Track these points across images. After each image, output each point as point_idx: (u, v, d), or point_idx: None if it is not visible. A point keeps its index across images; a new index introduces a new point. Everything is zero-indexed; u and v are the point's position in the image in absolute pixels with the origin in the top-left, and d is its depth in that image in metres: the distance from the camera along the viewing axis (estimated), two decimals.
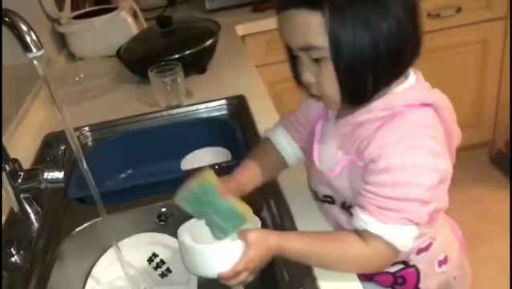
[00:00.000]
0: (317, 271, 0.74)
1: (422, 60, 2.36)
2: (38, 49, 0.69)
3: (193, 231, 0.75)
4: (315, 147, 0.80)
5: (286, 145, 0.89)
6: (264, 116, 1.22)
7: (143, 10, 2.12)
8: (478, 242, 1.98)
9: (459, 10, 2.03)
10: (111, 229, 0.92)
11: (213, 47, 1.53)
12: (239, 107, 1.30)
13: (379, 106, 0.70)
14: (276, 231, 0.74)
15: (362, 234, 0.69)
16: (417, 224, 0.68)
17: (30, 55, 0.69)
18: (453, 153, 0.76)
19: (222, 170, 1.06)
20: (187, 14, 2.19)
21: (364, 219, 0.68)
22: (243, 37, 1.92)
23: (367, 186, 0.68)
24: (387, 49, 0.64)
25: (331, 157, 0.76)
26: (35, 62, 0.70)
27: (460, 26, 2.07)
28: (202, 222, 0.77)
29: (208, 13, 2.14)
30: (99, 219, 0.95)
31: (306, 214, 0.86)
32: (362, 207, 0.69)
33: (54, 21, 1.78)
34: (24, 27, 0.69)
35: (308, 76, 0.70)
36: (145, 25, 1.88)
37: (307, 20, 0.64)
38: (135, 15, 1.82)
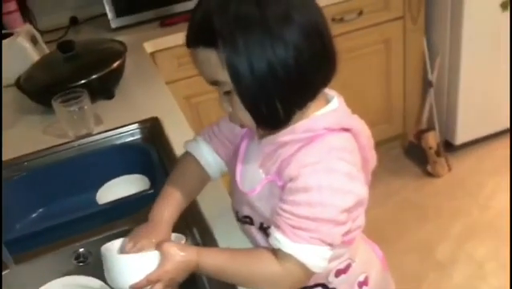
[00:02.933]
0: None
1: None
2: None
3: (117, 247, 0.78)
4: (238, 167, 0.80)
5: (209, 159, 0.87)
6: (180, 137, 1.19)
7: (43, 32, 2.02)
8: (402, 232, 2.08)
9: (360, 13, 2.12)
10: (23, 278, 0.85)
11: (120, 69, 1.48)
12: (153, 129, 1.27)
13: (300, 128, 0.70)
14: (195, 246, 0.76)
15: (276, 252, 0.70)
16: (330, 245, 0.69)
17: None
18: (369, 177, 0.79)
19: (140, 200, 1.03)
20: (91, 34, 2.11)
21: (278, 238, 0.69)
22: (152, 54, 1.88)
23: (283, 205, 0.69)
24: (287, 75, 0.65)
25: (253, 177, 0.76)
26: None
27: (362, 29, 2.17)
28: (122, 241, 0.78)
29: (113, 31, 2.07)
30: (7, 271, 0.87)
31: (229, 238, 0.85)
32: (277, 226, 0.69)
33: None
34: None
35: (226, 107, 0.71)
36: (47, 49, 1.78)
37: (207, 57, 0.66)
38: (33, 40, 1.72)
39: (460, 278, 1.85)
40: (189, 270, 0.71)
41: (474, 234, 2.01)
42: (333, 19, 2.09)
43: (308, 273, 0.70)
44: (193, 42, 0.67)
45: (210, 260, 0.72)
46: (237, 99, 0.68)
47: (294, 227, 0.67)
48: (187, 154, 0.89)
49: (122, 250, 0.77)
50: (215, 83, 0.69)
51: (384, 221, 2.15)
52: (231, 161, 0.84)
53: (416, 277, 1.87)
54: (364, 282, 0.86)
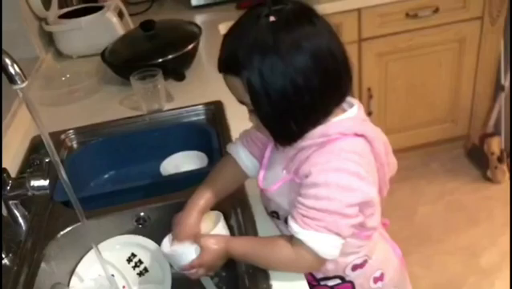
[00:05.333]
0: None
1: (401, 58, 2.43)
2: (22, 81, 0.76)
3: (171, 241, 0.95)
4: (261, 172, 0.90)
5: (245, 159, 0.98)
6: (238, 123, 1.30)
7: (128, 4, 2.17)
8: (449, 232, 2.10)
9: (436, 10, 2.10)
10: (92, 232, 1.01)
11: (193, 52, 1.60)
12: (216, 112, 1.38)
13: (317, 133, 0.79)
14: (227, 236, 0.90)
15: (292, 239, 0.80)
16: (337, 234, 0.77)
17: (15, 87, 0.76)
18: (387, 182, 0.86)
19: (199, 176, 1.15)
20: (172, 10, 2.24)
21: (291, 225, 0.79)
22: None
23: (298, 198, 0.79)
24: (299, 98, 0.73)
25: (275, 177, 0.87)
26: (20, 93, 0.77)
27: (437, 26, 2.15)
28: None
29: (192, 9, 2.19)
30: (78, 224, 1.03)
31: (267, 223, 0.96)
32: (292, 216, 0.80)
33: (42, 19, 1.84)
34: (8, 60, 0.76)
35: (253, 120, 0.82)
36: (131, 23, 1.94)
37: (234, 83, 0.77)
38: (120, 14, 1.88)
39: (501, 288, 1.85)
40: (223, 257, 0.86)
41: None
42: (407, 14, 2.10)
43: (319, 259, 0.79)
44: (223, 70, 0.78)
45: (237, 247, 0.86)
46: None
47: (303, 216, 0.77)
48: (227, 154, 1.01)
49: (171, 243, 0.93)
50: (241, 102, 0.80)
51: (433, 218, 2.17)
52: (259, 161, 0.94)
53: (455, 279, 1.90)
54: (380, 278, 0.94)
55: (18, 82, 0.77)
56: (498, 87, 2.30)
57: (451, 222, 2.16)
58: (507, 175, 2.30)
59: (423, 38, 2.17)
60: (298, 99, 0.74)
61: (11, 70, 0.76)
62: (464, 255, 1.99)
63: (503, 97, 2.29)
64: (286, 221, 0.87)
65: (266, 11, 0.73)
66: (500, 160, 2.29)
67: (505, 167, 2.29)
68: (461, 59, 2.26)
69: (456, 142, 2.53)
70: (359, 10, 2.04)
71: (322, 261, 0.80)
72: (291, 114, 0.76)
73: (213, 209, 0.96)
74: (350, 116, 0.80)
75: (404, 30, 2.14)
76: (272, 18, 0.73)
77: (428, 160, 2.49)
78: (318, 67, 0.73)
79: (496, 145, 2.28)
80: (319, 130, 0.78)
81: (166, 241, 0.94)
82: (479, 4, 2.12)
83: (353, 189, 0.76)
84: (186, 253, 0.88)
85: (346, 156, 0.76)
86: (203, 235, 0.88)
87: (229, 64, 0.77)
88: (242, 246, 0.86)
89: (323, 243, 0.77)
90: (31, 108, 0.80)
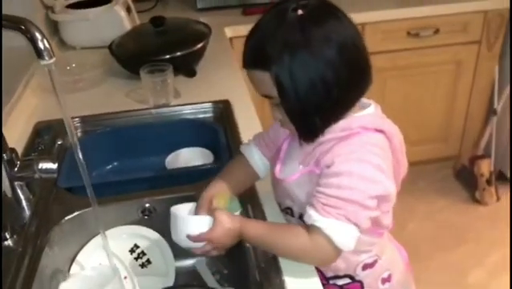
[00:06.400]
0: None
1: (399, 76, 2.47)
2: (50, 57, 0.76)
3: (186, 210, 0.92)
4: (278, 164, 0.91)
5: (257, 159, 0.99)
6: (246, 122, 1.31)
7: (135, 1, 2.17)
8: (437, 250, 2.12)
9: (437, 31, 2.15)
10: (97, 219, 0.99)
11: (202, 50, 1.60)
12: (224, 111, 1.38)
13: (338, 127, 0.80)
14: (242, 217, 0.87)
15: (309, 228, 0.80)
16: (355, 224, 0.77)
17: (43, 62, 0.76)
18: (399, 182, 0.87)
19: (204, 172, 1.15)
20: (177, 10, 2.25)
21: (310, 213, 0.79)
22: (231, 39, 2.00)
23: (318, 187, 0.79)
24: (327, 92, 0.75)
25: (291, 168, 0.87)
26: (46, 69, 0.76)
27: (436, 47, 2.20)
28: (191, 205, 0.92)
29: (198, 11, 2.20)
30: (88, 209, 1.02)
31: (278, 220, 0.95)
32: (311, 205, 0.79)
33: (48, 8, 1.82)
34: (38, 35, 0.76)
35: (275, 115, 0.82)
36: (137, 19, 1.93)
37: (262, 77, 0.77)
38: (128, 9, 1.87)
39: None
40: (235, 237, 0.83)
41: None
42: (408, 33, 2.14)
43: (336, 249, 0.79)
44: (250, 65, 0.79)
45: (252, 230, 0.83)
46: (284, 111, 0.79)
47: (324, 204, 0.77)
48: (240, 154, 1.02)
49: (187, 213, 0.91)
50: (266, 96, 0.80)
51: (421, 236, 2.19)
52: (273, 158, 0.95)
53: None
54: (387, 279, 0.95)
55: (46, 58, 0.76)
56: (491, 111, 2.36)
57: (439, 240, 2.18)
58: (495, 197, 2.34)
59: (422, 58, 2.22)
60: (326, 92, 0.74)
61: (40, 45, 0.76)
62: (451, 272, 2.01)
63: (495, 120, 2.34)
64: (300, 218, 0.87)
65: (294, 5, 0.74)
66: (489, 182, 2.33)
67: (493, 189, 2.34)
68: (457, 81, 2.31)
69: (445, 162, 2.57)
70: (363, 25, 2.08)
71: (337, 252, 0.80)
72: (318, 108, 0.76)
73: None
74: (369, 112, 0.82)
75: (403, 48, 2.19)
76: (300, 12, 0.74)
77: (416, 178, 2.52)
78: (345, 60, 0.74)
79: (486, 167, 2.33)
80: (341, 124, 0.80)
81: (180, 206, 0.91)
82: (478, 28, 2.18)
83: (375, 181, 0.77)
84: (198, 221, 0.84)
85: (370, 149, 0.78)
86: (219, 209, 0.85)
87: (256, 60, 0.77)
88: (257, 229, 0.84)
89: (341, 232, 0.77)
90: (56, 86, 0.79)
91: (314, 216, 0.78)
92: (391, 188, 0.80)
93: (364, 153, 0.77)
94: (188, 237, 0.83)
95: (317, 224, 0.77)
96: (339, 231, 0.77)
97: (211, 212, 0.85)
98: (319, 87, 0.74)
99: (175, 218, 0.87)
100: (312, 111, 0.77)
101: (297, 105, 0.77)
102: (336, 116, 0.79)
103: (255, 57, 0.77)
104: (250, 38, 0.79)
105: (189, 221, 0.85)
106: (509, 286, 1.94)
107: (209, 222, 0.83)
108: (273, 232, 0.84)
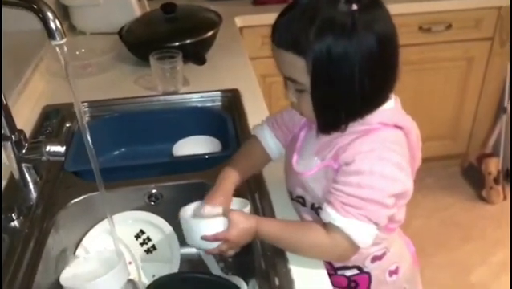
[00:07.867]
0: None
1: (411, 71, 2.45)
2: (62, 37, 0.75)
3: (193, 210, 0.91)
4: (295, 153, 0.90)
5: (270, 142, 0.98)
6: (255, 112, 1.30)
7: None
8: (441, 247, 2.11)
9: (449, 26, 2.13)
10: (104, 203, 0.99)
11: (213, 39, 1.59)
12: (232, 100, 1.37)
13: (358, 122, 0.79)
14: (256, 216, 0.87)
15: (327, 226, 0.79)
16: (375, 223, 0.77)
17: (54, 43, 0.75)
18: (414, 175, 0.86)
19: (212, 160, 1.14)
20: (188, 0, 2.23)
21: (329, 212, 0.78)
22: (241, 28, 1.98)
23: (336, 185, 0.78)
24: (361, 86, 0.73)
25: (308, 162, 0.86)
26: (58, 49, 0.75)
27: (448, 42, 2.17)
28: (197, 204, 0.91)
29: (209, 0, 2.19)
30: (94, 194, 1.02)
31: (284, 209, 0.95)
32: (329, 202, 0.78)
33: None
34: (50, 15, 0.75)
35: (291, 97, 0.80)
36: (147, 6, 1.92)
37: (294, 61, 0.73)
38: None
39: None
40: (250, 236, 0.82)
41: None
42: (420, 28, 2.12)
43: (354, 247, 0.78)
44: (282, 45, 0.73)
45: (267, 228, 0.83)
46: (307, 99, 0.76)
47: (344, 204, 0.76)
48: (253, 136, 1.01)
49: (195, 213, 0.90)
50: (291, 80, 0.76)
51: (426, 233, 2.18)
52: (289, 147, 0.94)
53: None
54: (395, 271, 0.95)
55: (57, 38, 0.76)
56: (501, 109, 2.34)
57: (444, 237, 2.17)
58: (501, 196, 2.33)
59: (433, 53, 2.20)
60: (360, 85, 0.73)
61: (52, 25, 0.75)
62: (455, 270, 2.00)
63: (504, 119, 2.32)
64: (312, 208, 0.86)
65: None
66: (496, 181, 2.31)
67: (500, 188, 2.32)
68: (468, 78, 2.29)
69: (453, 159, 2.55)
70: None
71: (355, 249, 0.79)
72: (347, 101, 0.75)
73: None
74: (389, 107, 0.80)
75: (415, 42, 2.16)
76: (355, 7, 0.70)
77: (423, 174, 2.49)
78: (383, 51, 0.72)
79: (494, 166, 2.31)
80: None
81: (187, 208, 0.90)
82: (491, 25, 2.16)
83: (396, 179, 0.76)
84: (213, 222, 0.83)
85: (389, 146, 0.76)
86: (233, 210, 0.85)
87: (294, 42, 0.72)
88: (273, 227, 0.83)
89: (361, 231, 0.77)
90: (67, 67, 0.78)
91: (333, 214, 0.77)
92: (409, 185, 0.79)
93: (385, 151, 0.76)
94: (205, 237, 0.82)
95: (336, 223, 0.77)
96: (359, 230, 0.77)
97: (225, 212, 0.84)
98: (355, 77, 0.72)
99: (187, 222, 0.85)
100: (341, 104, 0.75)
101: (327, 94, 0.75)
102: (362, 111, 0.78)
103: (292, 39, 0.72)
104: (288, 14, 0.73)
105: (204, 224, 0.84)
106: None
107: (223, 223, 0.82)
108: (289, 230, 0.83)
